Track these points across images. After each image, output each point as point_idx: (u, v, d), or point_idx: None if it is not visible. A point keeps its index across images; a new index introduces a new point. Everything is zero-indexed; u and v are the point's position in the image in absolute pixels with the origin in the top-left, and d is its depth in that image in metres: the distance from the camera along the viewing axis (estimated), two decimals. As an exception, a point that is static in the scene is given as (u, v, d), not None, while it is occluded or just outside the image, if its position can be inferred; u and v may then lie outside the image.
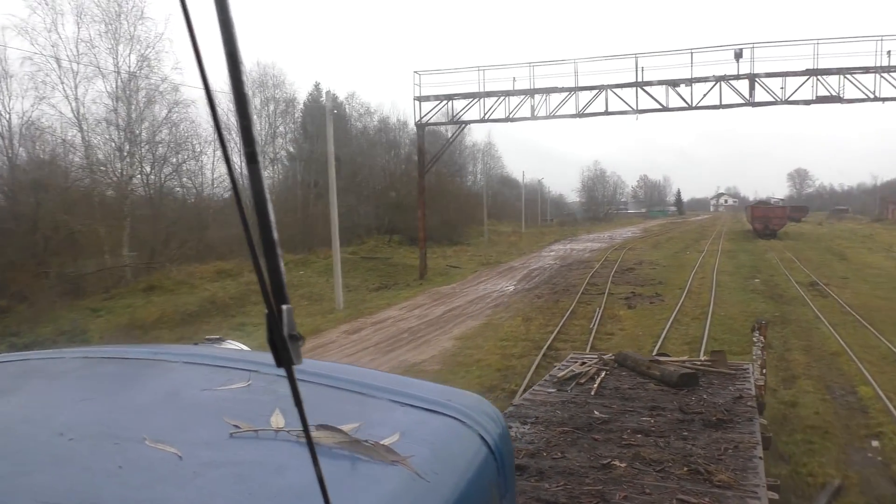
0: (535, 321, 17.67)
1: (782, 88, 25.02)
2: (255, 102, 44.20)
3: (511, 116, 28.16)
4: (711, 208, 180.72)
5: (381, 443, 1.13)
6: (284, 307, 0.67)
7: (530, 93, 27.71)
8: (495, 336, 15.88)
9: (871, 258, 34.72)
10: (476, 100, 28.64)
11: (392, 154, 54.61)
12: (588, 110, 27.20)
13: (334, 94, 36.53)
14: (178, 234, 30.06)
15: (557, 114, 27.62)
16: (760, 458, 4.61)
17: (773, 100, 25.06)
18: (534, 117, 27.94)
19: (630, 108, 26.63)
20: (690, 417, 5.58)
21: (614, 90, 26.83)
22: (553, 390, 6.67)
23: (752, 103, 25.36)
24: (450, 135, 36.33)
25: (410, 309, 21.11)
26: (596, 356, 8.15)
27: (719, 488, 4.00)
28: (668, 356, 8.62)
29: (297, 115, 48.46)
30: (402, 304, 22.49)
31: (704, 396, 6.31)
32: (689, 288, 23.06)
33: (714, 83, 25.63)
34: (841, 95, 24.20)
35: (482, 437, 1.31)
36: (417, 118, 29.47)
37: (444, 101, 29.25)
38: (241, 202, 0.69)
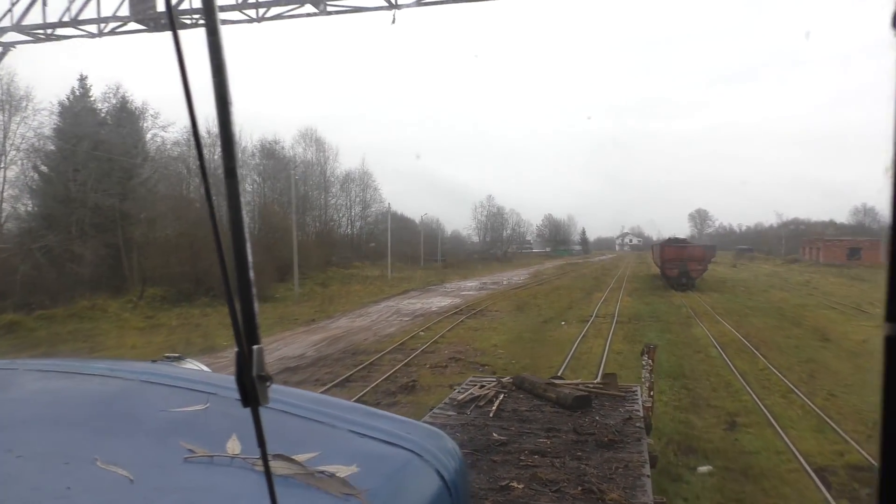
0: None
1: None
2: None
3: (120, 15, 11.66)
4: (617, 247, 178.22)
5: (338, 475, 1.11)
6: (255, 347, 0.68)
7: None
8: None
9: (865, 332, 20.20)
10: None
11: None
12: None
13: None
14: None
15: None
16: (648, 476, 4.92)
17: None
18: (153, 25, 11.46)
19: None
20: (584, 438, 5.90)
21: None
22: (453, 413, 6.82)
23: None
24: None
25: None
26: (494, 379, 8.41)
27: None
28: (563, 379, 8.94)
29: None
30: None
31: (597, 418, 6.61)
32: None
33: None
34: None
35: (439, 473, 1.27)
36: None
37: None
38: (220, 238, 0.66)
